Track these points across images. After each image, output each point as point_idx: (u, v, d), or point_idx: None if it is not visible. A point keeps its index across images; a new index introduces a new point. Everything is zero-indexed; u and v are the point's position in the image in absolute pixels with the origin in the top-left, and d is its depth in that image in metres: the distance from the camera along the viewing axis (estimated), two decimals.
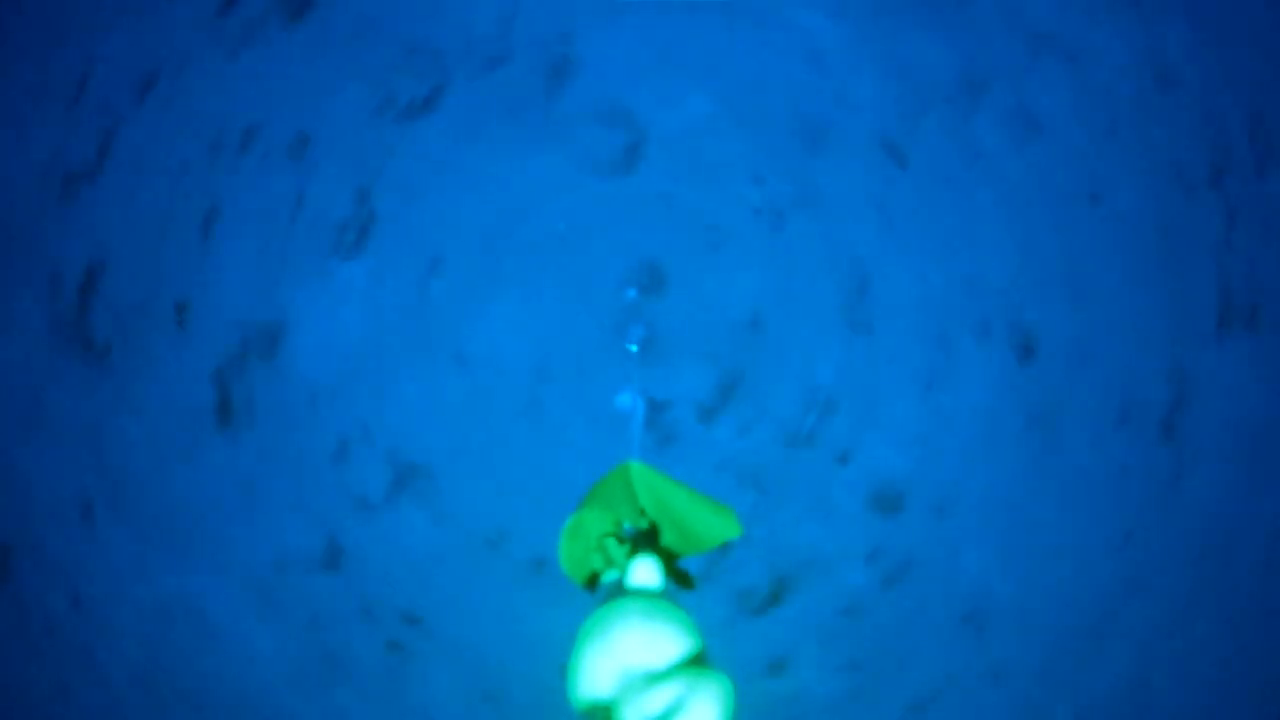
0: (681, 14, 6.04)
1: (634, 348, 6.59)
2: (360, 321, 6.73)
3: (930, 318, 6.58)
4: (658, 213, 6.70)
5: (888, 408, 6.74)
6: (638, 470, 3.77)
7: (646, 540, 3.49)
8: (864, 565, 6.82)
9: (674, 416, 6.89)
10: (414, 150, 6.44)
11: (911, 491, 6.80)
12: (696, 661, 2.28)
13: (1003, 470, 6.72)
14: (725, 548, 3.87)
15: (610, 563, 3.29)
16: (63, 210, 5.91)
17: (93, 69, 5.72)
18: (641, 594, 2.85)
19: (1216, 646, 6.57)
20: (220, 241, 6.27)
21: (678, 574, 3.44)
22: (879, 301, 6.61)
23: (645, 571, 2.97)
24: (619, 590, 3.01)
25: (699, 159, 6.53)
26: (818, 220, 6.56)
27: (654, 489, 3.71)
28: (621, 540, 3.43)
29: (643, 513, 3.63)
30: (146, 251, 6.12)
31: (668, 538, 3.62)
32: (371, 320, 6.75)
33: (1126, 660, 6.71)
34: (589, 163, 6.61)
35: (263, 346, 6.45)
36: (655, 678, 2.16)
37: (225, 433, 6.36)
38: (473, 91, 6.29)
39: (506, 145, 6.49)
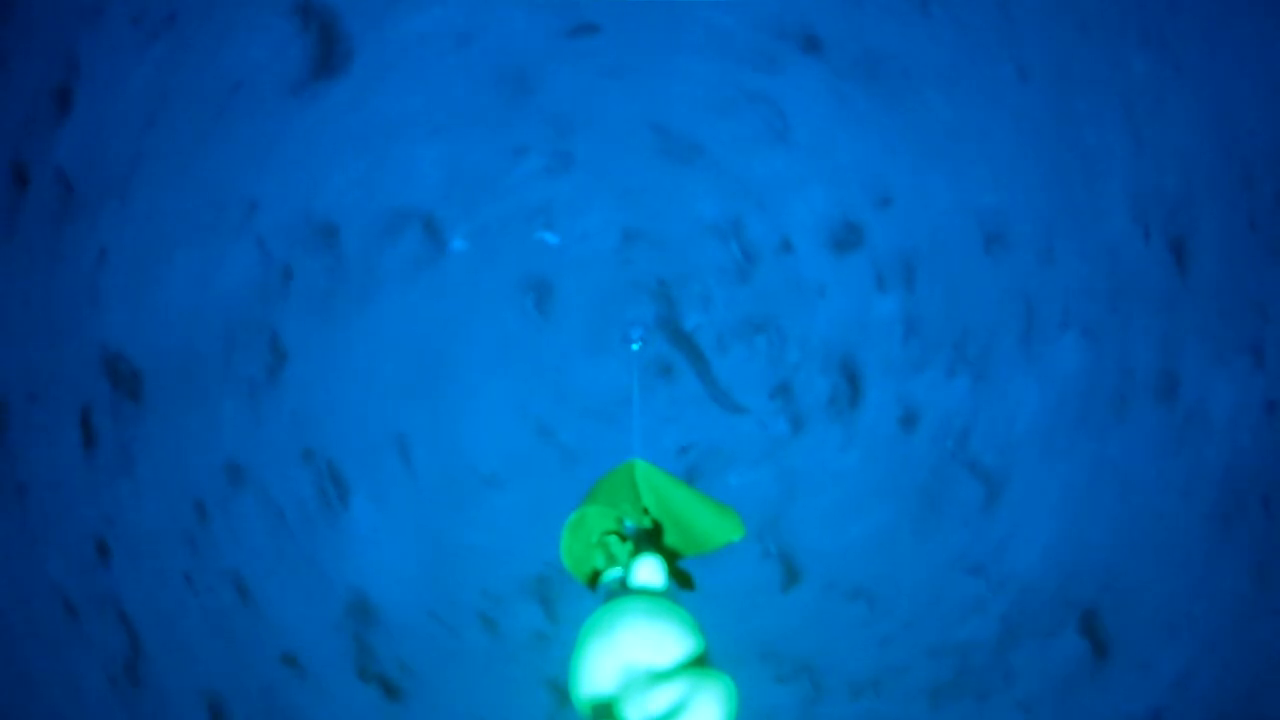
0: None
1: (636, 346, 6.85)
2: None
3: None
4: None
5: None
6: (642, 468, 3.79)
7: (649, 539, 3.51)
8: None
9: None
10: None
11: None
12: (699, 662, 2.31)
13: None
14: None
15: (612, 560, 3.29)
16: None
17: None
18: (645, 593, 2.86)
19: None
20: None
21: (679, 574, 3.46)
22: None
23: (649, 571, 2.99)
24: (622, 589, 3.04)
25: None
26: None
27: (657, 488, 3.72)
28: (624, 538, 3.43)
29: (645, 511, 3.65)
30: None
31: (670, 538, 3.65)
32: None
33: None
34: None
35: None
36: (658, 677, 2.19)
37: None
38: None
39: None
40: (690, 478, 6.85)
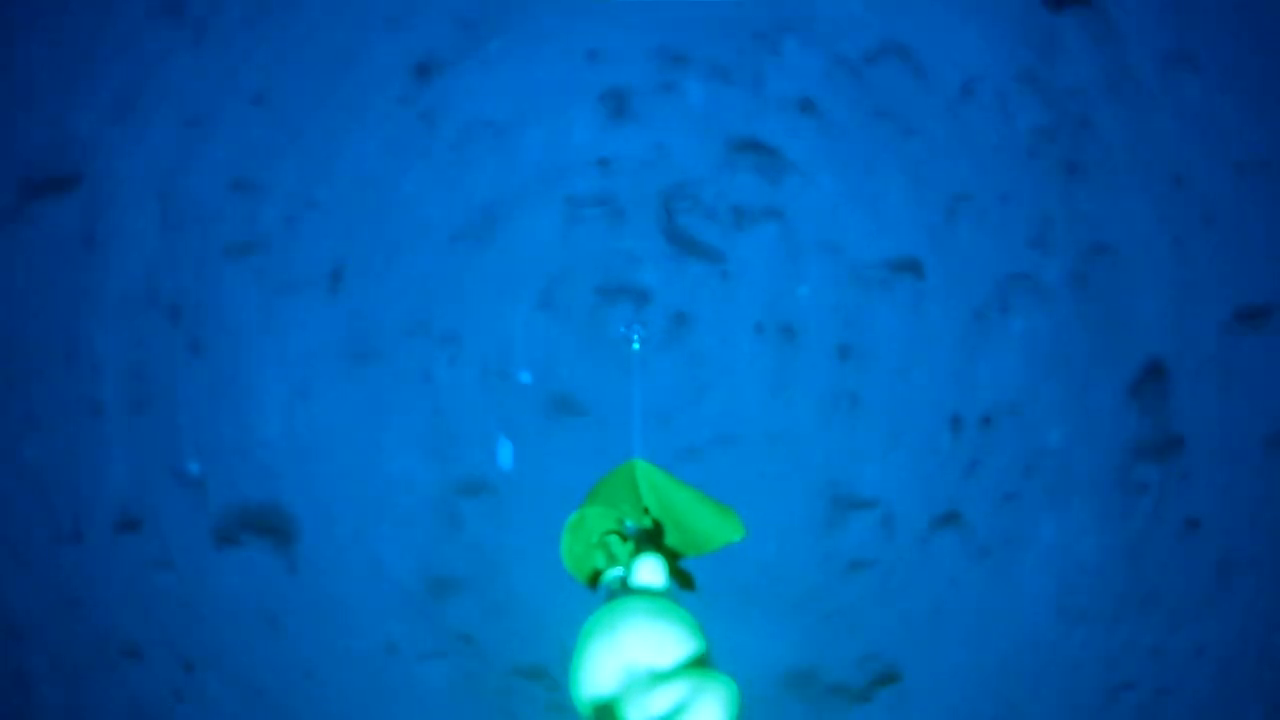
0: None
1: (636, 346, 6.76)
2: None
3: None
4: None
5: None
6: (642, 468, 3.81)
7: (650, 539, 3.52)
8: None
9: None
10: None
11: None
12: (701, 663, 2.32)
13: None
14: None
15: (613, 560, 3.28)
16: None
17: None
18: (646, 593, 2.87)
19: None
20: None
21: (679, 574, 3.47)
22: None
23: (650, 571, 3.00)
24: (623, 589, 3.05)
25: None
26: None
27: (657, 488, 3.75)
28: (625, 538, 3.44)
29: (646, 511, 3.68)
30: None
31: (670, 538, 3.67)
32: None
33: None
34: None
35: None
36: (660, 678, 2.19)
37: None
38: None
39: None
40: (791, 331, 6.68)
